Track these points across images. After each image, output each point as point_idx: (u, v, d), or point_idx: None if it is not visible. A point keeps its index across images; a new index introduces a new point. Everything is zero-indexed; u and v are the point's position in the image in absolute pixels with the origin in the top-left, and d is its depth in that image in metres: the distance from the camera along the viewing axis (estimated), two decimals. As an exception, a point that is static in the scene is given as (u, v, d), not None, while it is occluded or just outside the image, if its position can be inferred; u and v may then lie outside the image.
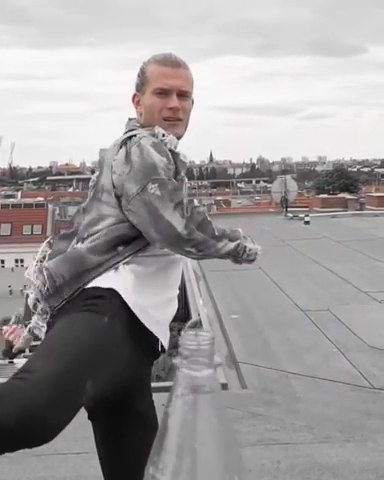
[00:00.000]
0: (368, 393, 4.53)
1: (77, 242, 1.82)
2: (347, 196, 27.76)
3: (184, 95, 1.85)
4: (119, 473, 1.89)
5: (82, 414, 1.82)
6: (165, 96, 1.82)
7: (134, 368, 1.79)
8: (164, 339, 1.82)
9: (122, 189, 1.74)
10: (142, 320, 1.74)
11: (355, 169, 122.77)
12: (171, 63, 1.83)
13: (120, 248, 1.75)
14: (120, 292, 1.72)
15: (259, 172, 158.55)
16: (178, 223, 1.69)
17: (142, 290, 1.77)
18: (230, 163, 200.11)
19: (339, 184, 40.25)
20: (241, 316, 6.86)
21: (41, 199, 60.78)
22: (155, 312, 1.78)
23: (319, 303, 7.33)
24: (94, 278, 1.74)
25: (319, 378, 4.84)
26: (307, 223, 17.02)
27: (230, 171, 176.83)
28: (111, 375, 1.69)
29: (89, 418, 1.91)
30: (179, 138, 1.87)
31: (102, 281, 1.74)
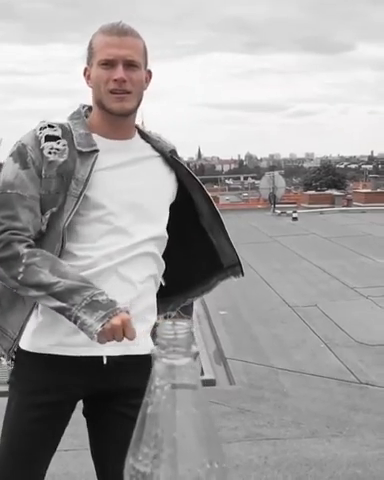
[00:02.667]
0: (355, 388, 4.56)
1: None
2: (334, 192, 27.86)
3: (132, 65, 1.71)
4: (111, 471, 1.88)
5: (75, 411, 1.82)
6: (111, 67, 1.69)
7: (92, 387, 1.74)
8: (111, 351, 1.68)
9: None
10: (67, 353, 1.67)
11: (342, 166, 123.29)
12: (117, 32, 1.70)
13: None
14: (29, 350, 1.70)
15: (247, 169, 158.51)
16: None
17: (58, 325, 1.66)
18: (218, 160, 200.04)
19: (326, 180, 40.33)
20: (229, 312, 6.88)
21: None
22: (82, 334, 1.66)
23: (307, 299, 7.36)
24: (23, 320, 1.71)
25: (307, 374, 4.87)
26: (295, 219, 17.08)
27: (218, 167, 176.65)
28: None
29: (83, 414, 1.89)
30: (131, 112, 1.76)
31: (21, 337, 1.72)
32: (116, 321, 1.51)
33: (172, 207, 1.86)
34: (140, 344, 1.72)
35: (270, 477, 3.11)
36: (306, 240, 12.81)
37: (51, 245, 1.67)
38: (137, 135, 1.84)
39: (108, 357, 1.68)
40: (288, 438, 3.63)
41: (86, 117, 1.80)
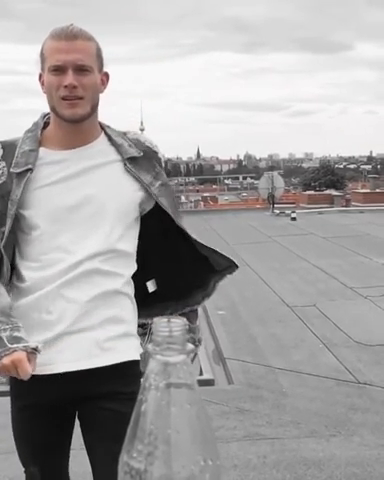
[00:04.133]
0: (353, 388, 4.57)
1: None
2: (333, 192, 27.88)
3: (83, 70, 1.66)
4: (104, 469, 1.88)
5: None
6: (61, 73, 1.65)
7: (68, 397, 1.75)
8: (72, 366, 1.67)
9: None
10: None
11: (341, 166, 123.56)
12: (65, 36, 1.65)
13: None
14: None
15: (246, 168, 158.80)
16: None
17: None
18: (217, 159, 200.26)
19: (325, 181, 40.39)
20: (228, 312, 6.88)
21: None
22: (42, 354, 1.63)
23: (305, 299, 7.36)
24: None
25: (305, 373, 4.87)
26: (294, 219, 17.10)
27: (217, 167, 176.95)
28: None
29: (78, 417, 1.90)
30: (85, 117, 1.70)
31: None
32: (5, 361, 1.57)
33: (159, 219, 1.81)
34: (105, 355, 1.70)
35: (269, 477, 3.11)
36: (305, 240, 12.82)
37: (1, 265, 1.71)
38: (102, 138, 1.78)
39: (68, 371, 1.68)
40: (287, 438, 3.63)
41: (47, 125, 1.78)
